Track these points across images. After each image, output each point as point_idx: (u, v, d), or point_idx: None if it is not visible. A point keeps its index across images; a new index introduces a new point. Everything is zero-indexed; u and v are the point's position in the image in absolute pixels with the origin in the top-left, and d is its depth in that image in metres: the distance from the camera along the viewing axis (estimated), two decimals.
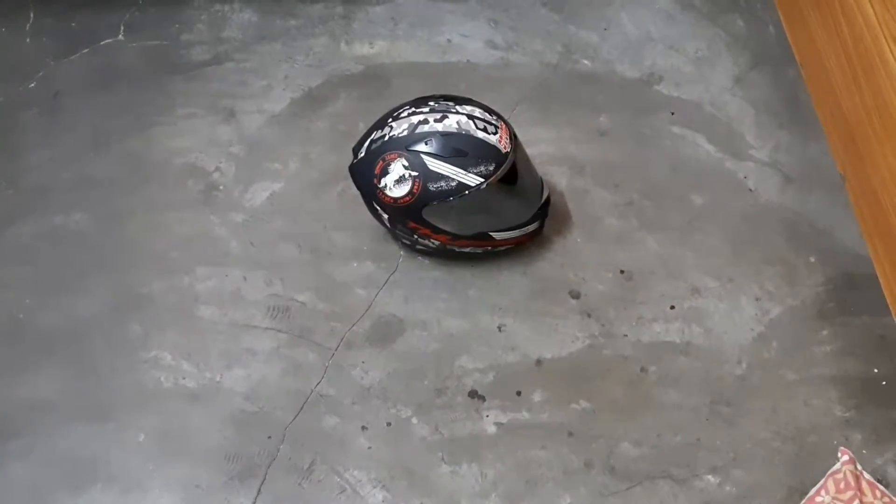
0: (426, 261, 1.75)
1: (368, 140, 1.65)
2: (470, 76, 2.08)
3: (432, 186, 1.58)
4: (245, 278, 1.72)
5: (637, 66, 2.11)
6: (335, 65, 2.10)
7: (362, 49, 2.14)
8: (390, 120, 1.64)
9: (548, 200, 1.74)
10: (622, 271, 1.74)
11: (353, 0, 2.24)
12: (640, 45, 2.16)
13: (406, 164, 1.58)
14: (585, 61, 2.12)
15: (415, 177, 1.58)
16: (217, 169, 1.89)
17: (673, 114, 2.01)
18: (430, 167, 1.57)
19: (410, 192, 1.59)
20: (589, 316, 1.68)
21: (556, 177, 1.88)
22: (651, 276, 1.74)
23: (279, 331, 1.66)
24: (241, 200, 1.84)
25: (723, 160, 1.92)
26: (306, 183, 1.87)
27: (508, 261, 1.75)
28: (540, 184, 1.74)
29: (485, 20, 2.19)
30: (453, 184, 1.58)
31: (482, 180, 1.58)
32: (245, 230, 1.80)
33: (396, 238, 1.76)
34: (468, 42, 2.15)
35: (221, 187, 1.86)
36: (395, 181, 1.59)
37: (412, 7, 2.24)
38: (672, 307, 1.69)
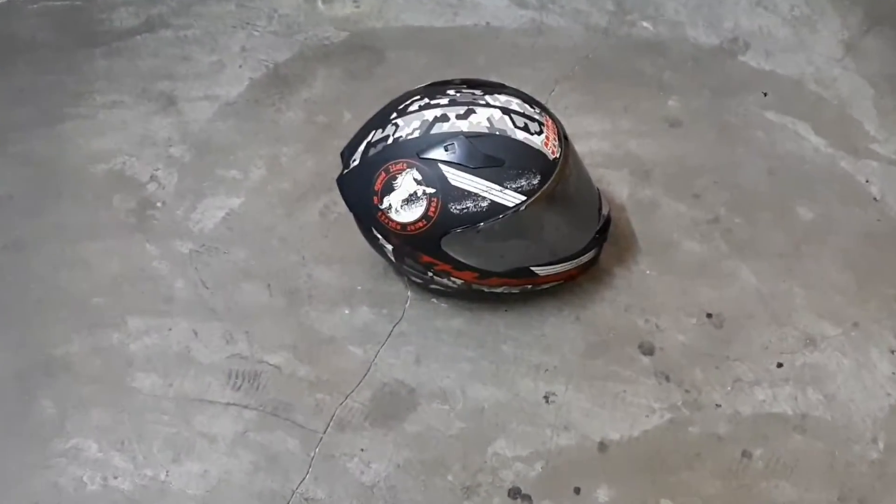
0: (444, 304, 1.62)
1: (364, 143, 1.51)
2: (491, 46, 1.95)
3: (455, 208, 1.44)
4: (196, 333, 1.58)
5: (715, 30, 1.99)
6: (309, 31, 1.97)
7: (344, 8, 2.00)
8: (394, 115, 1.50)
9: (608, 221, 1.61)
10: (709, 315, 1.61)
11: None
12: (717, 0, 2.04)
13: (419, 177, 1.44)
14: (645, 23, 2.00)
15: (431, 195, 1.44)
16: (153, 179, 1.75)
17: (766, 95, 1.89)
18: (453, 182, 1.43)
19: (425, 216, 1.45)
20: (667, 379, 1.55)
21: (614, 185, 1.75)
22: (749, 322, 1.61)
23: (245, 407, 1.52)
24: (186, 223, 1.70)
25: (835, 158, 1.80)
26: (276, 197, 1.73)
27: (554, 302, 1.62)
28: (597, 199, 1.61)
29: None
30: (484, 204, 1.44)
31: (523, 199, 1.45)
32: (194, 265, 1.66)
33: (402, 273, 1.62)
34: None
35: (160, 205, 1.72)
36: (404, 201, 1.45)
37: None
38: (779, 365, 1.56)
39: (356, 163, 1.51)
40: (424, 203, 1.45)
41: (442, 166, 1.44)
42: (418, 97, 1.51)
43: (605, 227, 1.60)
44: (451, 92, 1.50)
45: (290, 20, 1.98)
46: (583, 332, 1.60)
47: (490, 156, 1.44)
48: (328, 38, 1.95)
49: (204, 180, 1.75)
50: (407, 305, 1.62)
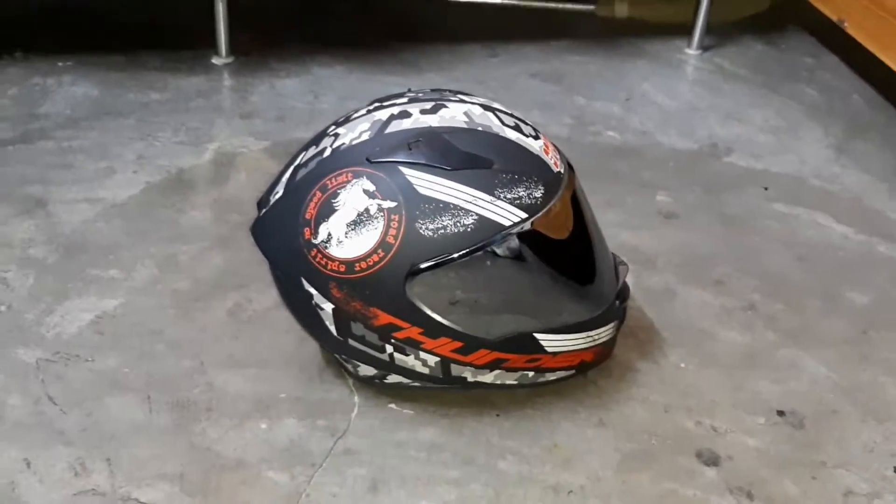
0: (408, 410, 0.94)
1: (290, 169, 0.90)
2: None
3: (427, 229, 0.82)
4: (28, 463, 0.86)
5: (689, 137, 1.49)
6: (223, 141, 1.39)
7: (266, 125, 1.44)
8: (332, 128, 0.90)
9: (626, 288, 0.99)
10: (780, 413, 0.97)
11: (246, 72, 1.57)
12: (684, 115, 1.57)
13: (371, 187, 0.83)
14: (611, 133, 1.49)
15: (390, 211, 0.82)
16: (1, 280, 1.07)
17: (767, 189, 1.35)
18: (422, 190, 0.82)
19: (382, 244, 0.82)
20: (750, 497, 0.87)
21: None
22: (836, 419, 0.97)
23: None
24: (38, 328, 1.02)
25: (871, 244, 1.25)
26: (167, 297, 1.08)
27: (565, 403, 0.96)
28: (611, 258, 1.00)
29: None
30: (469, 221, 0.82)
31: (524, 215, 0.83)
32: (41, 377, 0.96)
33: (346, 370, 0.96)
34: None
35: (3, 308, 1.03)
36: (351, 224, 0.83)
37: (337, 80, 1.59)
38: None
39: (278, 195, 0.89)
40: (381, 223, 0.82)
41: (405, 170, 0.83)
42: (364, 107, 0.92)
43: (625, 293, 0.99)
44: (411, 94, 0.92)
45: (200, 132, 1.40)
46: (613, 439, 0.93)
47: (473, 154, 0.84)
48: (245, 147, 1.37)
49: (70, 281, 1.09)
50: (354, 414, 0.93)
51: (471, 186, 0.83)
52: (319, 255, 0.85)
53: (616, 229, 1.22)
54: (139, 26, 1.73)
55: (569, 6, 1.83)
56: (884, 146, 1.49)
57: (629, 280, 1.05)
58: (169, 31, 1.72)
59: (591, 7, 1.82)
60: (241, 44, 1.63)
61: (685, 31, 1.78)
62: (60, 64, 1.57)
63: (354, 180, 0.84)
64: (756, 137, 1.49)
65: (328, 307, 0.86)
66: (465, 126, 0.86)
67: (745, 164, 1.42)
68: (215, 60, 1.61)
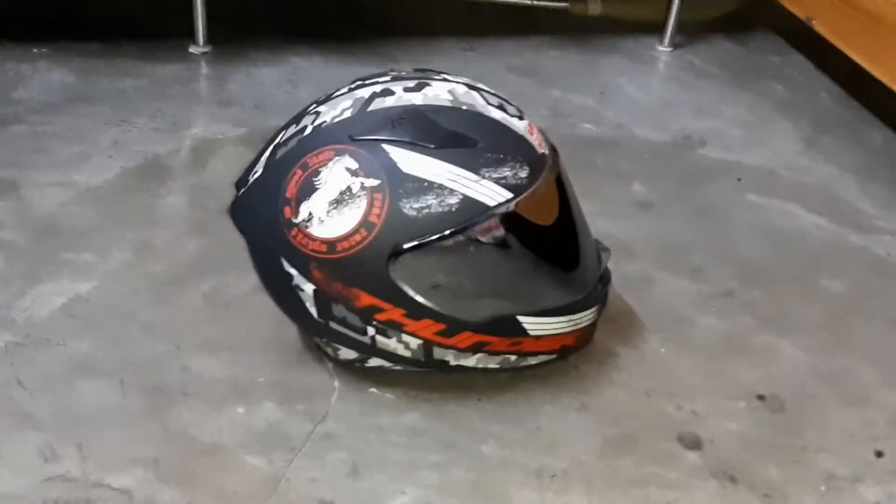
0: (389, 395, 0.89)
1: (270, 148, 0.85)
2: None
3: (411, 207, 0.78)
4: None
5: (664, 130, 1.46)
6: (200, 127, 1.33)
7: (244, 113, 1.38)
8: (314, 106, 0.86)
9: (608, 273, 0.95)
10: (760, 397, 0.94)
11: (223, 61, 1.52)
12: (657, 109, 1.54)
13: (354, 165, 0.78)
14: (587, 125, 1.45)
15: (374, 189, 0.77)
16: None
17: (740, 180, 1.33)
18: (406, 168, 0.78)
19: (365, 224, 0.78)
20: (733, 480, 0.84)
21: None
22: (815, 403, 0.94)
23: None
24: (8, 311, 0.96)
25: (843, 233, 1.23)
26: (142, 281, 1.02)
27: (547, 387, 0.92)
28: (594, 243, 0.96)
29: None
30: (453, 201, 0.78)
31: (510, 195, 0.79)
32: (10, 360, 0.90)
33: (326, 353, 0.91)
34: None
35: None
36: (333, 203, 0.78)
37: (314, 70, 1.54)
38: (878, 454, 0.88)
39: (258, 174, 0.84)
40: (364, 201, 0.78)
41: (389, 148, 0.78)
42: (346, 86, 0.87)
43: (607, 277, 0.95)
44: (394, 73, 0.87)
45: (176, 119, 1.34)
46: (595, 423, 0.89)
47: (457, 133, 0.80)
48: (222, 133, 1.32)
49: (41, 265, 1.03)
50: (334, 398, 0.89)
51: (456, 165, 0.79)
52: (300, 235, 0.80)
53: (593, 218, 1.16)
54: (116, 14, 1.67)
55: (543, 3, 1.80)
56: (851, 140, 1.47)
57: (608, 266, 1.01)
58: (146, 20, 1.66)
59: (565, 4, 1.80)
60: (219, 33, 1.57)
61: (657, 29, 1.75)
62: (35, 50, 1.50)
63: (336, 158, 0.79)
64: (727, 131, 1.46)
65: (309, 288, 0.82)
66: (449, 105, 0.82)
67: (718, 156, 1.39)
68: (192, 49, 1.55)
